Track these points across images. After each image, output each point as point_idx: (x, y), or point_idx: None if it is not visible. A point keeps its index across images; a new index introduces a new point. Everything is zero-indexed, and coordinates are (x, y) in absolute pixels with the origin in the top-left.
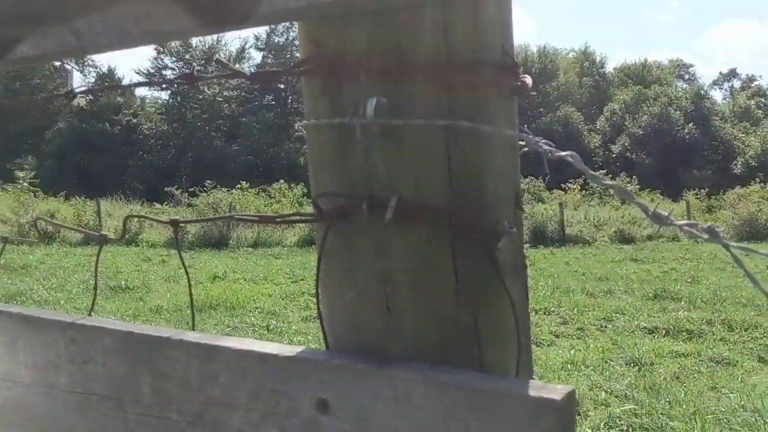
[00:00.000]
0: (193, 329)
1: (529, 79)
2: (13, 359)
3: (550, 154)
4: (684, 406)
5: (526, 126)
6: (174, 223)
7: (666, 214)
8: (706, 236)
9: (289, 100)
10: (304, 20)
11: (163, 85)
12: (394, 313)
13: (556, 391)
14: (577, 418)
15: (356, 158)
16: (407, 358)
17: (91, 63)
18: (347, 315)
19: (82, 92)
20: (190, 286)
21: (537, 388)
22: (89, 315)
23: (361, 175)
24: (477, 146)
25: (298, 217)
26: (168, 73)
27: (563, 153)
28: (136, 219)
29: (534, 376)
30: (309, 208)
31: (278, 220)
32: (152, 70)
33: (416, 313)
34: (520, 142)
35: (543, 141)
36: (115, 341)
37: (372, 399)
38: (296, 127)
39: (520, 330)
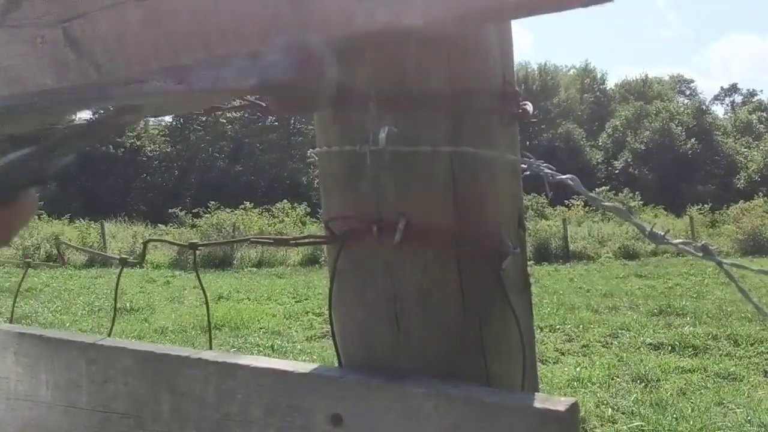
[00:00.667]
0: (210, 348)
1: (529, 106)
2: (34, 380)
3: (551, 178)
4: (691, 422)
5: (528, 143)
6: (193, 246)
7: (662, 233)
8: (700, 254)
9: (292, 121)
10: None
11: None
12: (404, 329)
13: (559, 403)
14: None
15: (366, 183)
16: (417, 373)
17: None
18: (359, 332)
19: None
20: (207, 306)
21: (541, 400)
22: (109, 336)
23: (371, 199)
24: (481, 171)
25: (311, 240)
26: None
27: (563, 176)
28: (138, 240)
29: (539, 390)
30: (312, 227)
31: (292, 242)
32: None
33: (425, 329)
34: (522, 166)
35: (544, 165)
36: (135, 361)
37: (383, 413)
38: (308, 154)
39: (526, 345)
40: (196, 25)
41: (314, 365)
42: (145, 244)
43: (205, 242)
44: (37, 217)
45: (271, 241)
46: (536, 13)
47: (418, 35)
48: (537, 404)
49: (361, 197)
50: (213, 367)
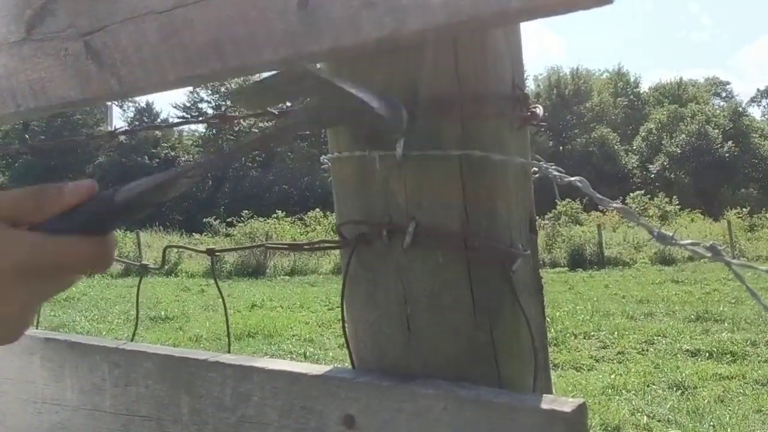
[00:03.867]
0: (229, 351)
1: (540, 109)
2: (60, 384)
3: (559, 180)
4: (729, 430)
5: (561, 147)
6: (210, 252)
7: (671, 234)
8: (709, 254)
9: (323, 130)
10: (326, 62)
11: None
12: (415, 332)
13: (566, 404)
14: None
15: (376, 188)
16: (428, 375)
17: (129, 98)
18: (370, 335)
19: (122, 133)
20: (225, 310)
21: (548, 401)
22: (131, 341)
23: (381, 203)
24: (490, 174)
25: (324, 245)
26: (203, 105)
27: (572, 178)
28: (175, 249)
29: (553, 392)
30: None
31: (306, 247)
32: (188, 104)
33: (435, 332)
34: (533, 169)
35: (553, 167)
36: (156, 365)
37: (395, 414)
38: (321, 160)
39: (537, 347)
40: (210, 36)
41: (328, 367)
42: (164, 250)
43: (221, 248)
44: None
45: (286, 246)
46: (539, 15)
47: (424, 40)
48: (544, 405)
49: (371, 202)
50: (230, 370)
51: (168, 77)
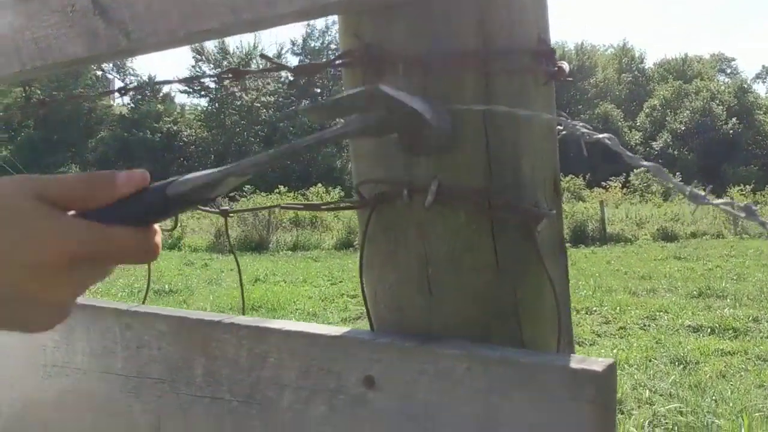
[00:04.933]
0: (243, 314)
1: (566, 65)
2: (71, 347)
3: (587, 137)
4: (731, 404)
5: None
6: (224, 213)
7: (703, 194)
8: (743, 215)
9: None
10: (345, 14)
11: (207, 86)
12: (436, 294)
13: (596, 363)
14: (621, 416)
15: (396, 145)
16: (449, 337)
17: (131, 72)
18: (390, 296)
19: (133, 89)
20: (240, 271)
21: (578, 361)
22: (143, 303)
23: (402, 161)
24: (515, 130)
25: (342, 204)
26: (205, 79)
27: (601, 135)
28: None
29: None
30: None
31: (323, 207)
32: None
33: (457, 293)
34: (558, 126)
35: (580, 124)
36: (169, 326)
37: (416, 375)
38: (337, 120)
39: (561, 309)
40: None
41: (346, 329)
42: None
43: (235, 209)
44: None
45: (302, 206)
46: None
47: None
48: (573, 364)
49: (391, 159)
50: (245, 331)
51: (178, 33)
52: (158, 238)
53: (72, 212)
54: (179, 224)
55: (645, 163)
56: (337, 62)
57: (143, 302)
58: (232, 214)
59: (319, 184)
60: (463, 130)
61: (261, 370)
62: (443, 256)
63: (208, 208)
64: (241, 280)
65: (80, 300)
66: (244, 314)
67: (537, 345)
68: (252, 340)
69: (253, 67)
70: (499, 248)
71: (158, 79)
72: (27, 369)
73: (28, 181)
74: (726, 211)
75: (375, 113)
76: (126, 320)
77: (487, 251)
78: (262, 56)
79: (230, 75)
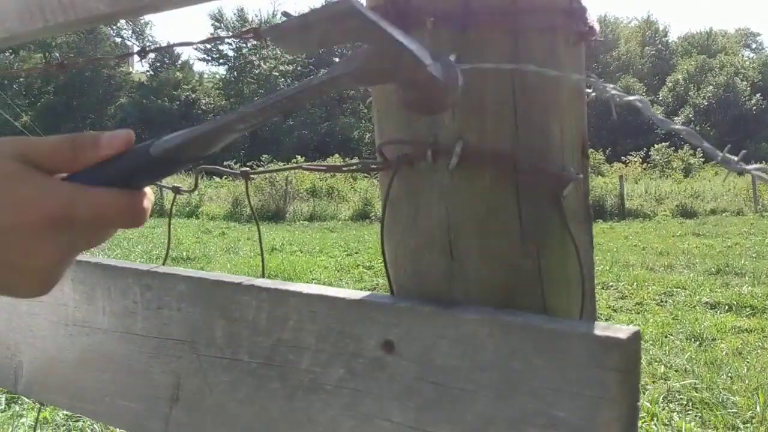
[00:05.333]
0: (263, 276)
1: (596, 24)
2: (91, 306)
3: (617, 99)
4: (746, 381)
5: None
6: (245, 175)
7: (735, 158)
8: None
9: None
10: None
11: (225, 54)
12: (458, 259)
13: (620, 331)
14: None
15: None
16: (470, 303)
17: (150, 39)
18: (411, 261)
19: (155, 50)
20: (259, 230)
21: (602, 328)
22: (163, 264)
23: (426, 122)
24: (544, 91)
25: (364, 166)
26: (224, 48)
27: (632, 97)
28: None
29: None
30: (363, 183)
31: (344, 169)
32: (209, 46)
33: (480, 258)
34: (587, 89)
35: (611, 86)
36: (189, 287)
37: (436, 339)
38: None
39: (585, 276)
40: None
41: (365, 293)
42: (197, 172)
43: (256, 170)
44: None
45: (324, 168)
46: None
47: None
48: (598, 332)
49: (415, 120)
50: (265, 294)
51: None
52: (147, 203)
53: (58, 176)
54: (198, 192)
55: (677, 126)
56: None
57: (164, 263)
58: (253, 176)
59: (337, 155)
60: (490, 90)
61: (281, 332)
62: (466, 221)
63: (228, 170)
64: (260, 240)
65: (101, 260)
66: (263, 277)
67: (560, 311)
68: (272, 303)
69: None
70: (523, 213)
71: (176, 48)
72: (49, 327)
73: (10, 143)
74: (758, 177)
75: (360, 52)
76: (146, 281)
77: (512, 216)
78: (284, 14)
79: (251, 35)
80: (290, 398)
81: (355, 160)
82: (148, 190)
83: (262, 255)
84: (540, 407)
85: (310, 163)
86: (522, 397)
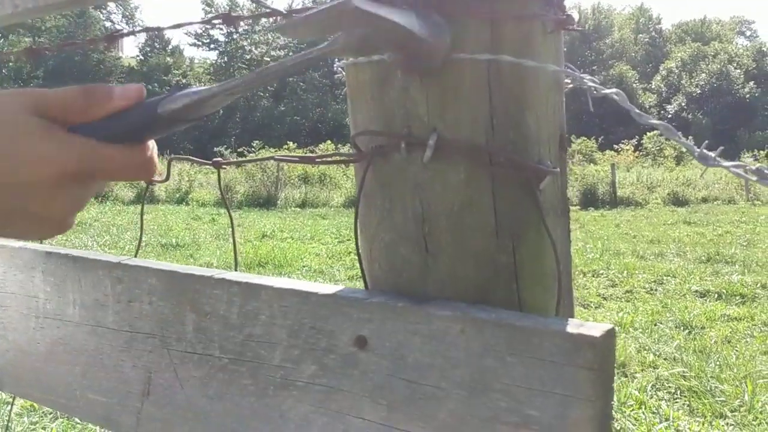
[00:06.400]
0: (236, 269)
1: (575, 13)
2: (62, 299)
3: (594, 92)
4: (735, 370)
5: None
6: (217, 165)
7: (713, 154)
8: (754, 178)
9: (336, 60)
10: None
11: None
12: (432, 253)
13: (594, 328)
14: (624, 379)
15: (395, 96)
16: (444, 298)
17: (141, 23)
18: (385, 255)
19: (130, 33)
20: (233, 226)
21: (575, 325)
22: (135, 257)
23: (400, 113)
24: (520, 82)
25: (337, 158)
26: (215, 33)
27: (608, 90)
28: (185, 175)
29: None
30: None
31: (318, 160)
32: (199, 30)
33: (454, 253)
34: (565, 80)
35: (588, 78)
36: (160, 281)
37: (409, 336)
38: (335, 68)
39: (561, 271)
40: None
41: (339, 287)
42: (169, 162)
43: (227, 161)
44: None
45: (297, 159)
46: None
47: None
48: (571, 329)
49: (389, 111)
50: (236, 288)
51: None
52: (153, 155)
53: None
54: (188, 178)
55: (654, 121)
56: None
57: (135, 254)
58: (225, 166)
59: (328, 141)
60: (465, 80)
61: (252, 327)
62: (441, 215)
63: (200, 160)
64: (233, 231)
65: (71, 252)
66: (236, 270)
67: (536, 308)
68: (243, 297)
69: (264, 21)
70: (499, 207)
71: (166, 31)
72: (20, 319)
73: (25, 95)
74: (736, 174)
75: (358, 30)
76: (117, 273)
77: (487, 210)
78: (255, 0)
79: (220, 20)
80: (262, 394)
81: (330, 152)
82: (152, 142)
83: (234, 246)
84: (512, 405)
85: (283, 154)
86: (494, 395)
